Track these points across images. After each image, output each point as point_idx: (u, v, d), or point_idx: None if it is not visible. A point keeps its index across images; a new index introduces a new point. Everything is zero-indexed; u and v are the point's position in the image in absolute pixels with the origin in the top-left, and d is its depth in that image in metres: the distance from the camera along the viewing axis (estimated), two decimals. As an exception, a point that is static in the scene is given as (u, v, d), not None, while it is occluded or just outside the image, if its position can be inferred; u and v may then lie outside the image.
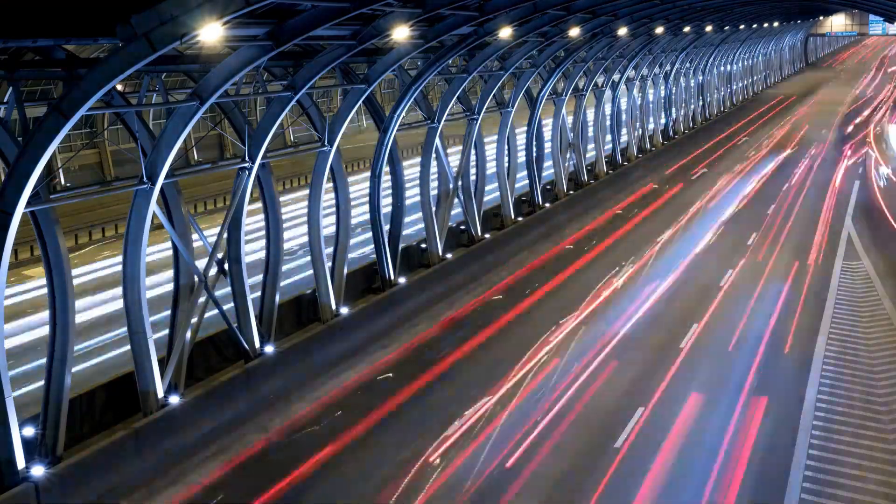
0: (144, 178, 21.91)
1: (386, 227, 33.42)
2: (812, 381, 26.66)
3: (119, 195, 33.35)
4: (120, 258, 22.57)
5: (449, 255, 37.37)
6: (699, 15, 55.88)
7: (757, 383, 26.68)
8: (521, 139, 46.72)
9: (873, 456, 22.21)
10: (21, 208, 18.45)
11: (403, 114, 33.25)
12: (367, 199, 33.40)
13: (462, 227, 40.84)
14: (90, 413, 23.01)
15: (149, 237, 22.20)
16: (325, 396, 26.23)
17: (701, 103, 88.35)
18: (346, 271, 31.02)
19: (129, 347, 22.46)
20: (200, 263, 25.00)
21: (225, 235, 25.71)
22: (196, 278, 24.52)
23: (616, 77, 59.32)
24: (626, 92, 64.06)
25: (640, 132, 68.16)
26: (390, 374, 27.81)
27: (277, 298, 27.61)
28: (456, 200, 38.53)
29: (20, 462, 19.27)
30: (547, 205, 48.12)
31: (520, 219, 44.64)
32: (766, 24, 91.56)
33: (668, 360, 28.57)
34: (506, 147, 43.99)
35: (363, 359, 28.82)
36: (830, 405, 24.97)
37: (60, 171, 51.75)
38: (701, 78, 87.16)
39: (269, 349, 26.78)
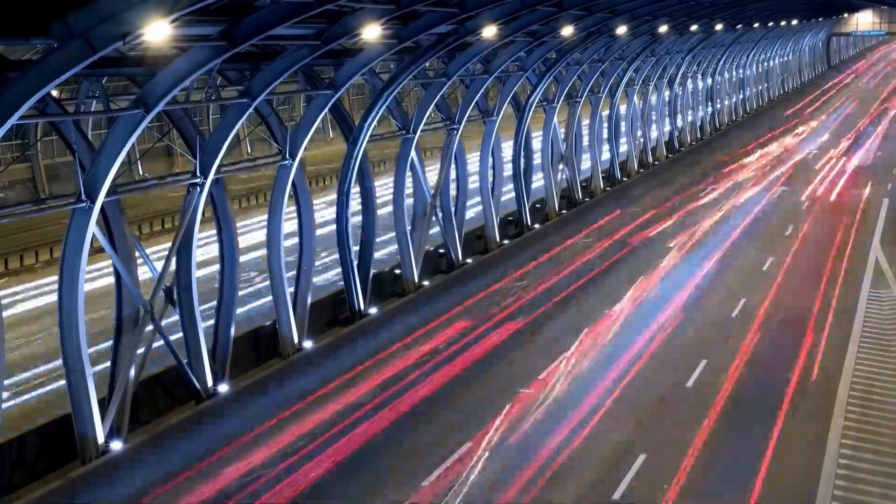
0: (83, 196, 22.07)
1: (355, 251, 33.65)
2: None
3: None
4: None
5: (426, 283, 37.59)
6: (707, 12, 56.48)
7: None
8: (507, 151, 46.98)
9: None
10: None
11: (375, 123, 33.53)
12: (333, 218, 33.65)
13: (441, 251, 41.07)
14: (21, 461, 23.05)
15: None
16: (286, 441, 26.30)
17: (710, 111, 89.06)
18: (309, 300, 31.20)
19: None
20: (146, 292, 25.12)
21: (174, 260, 25.87)
22: (141, 308, 24.63)
23: (614, 82, 59.83)
24: (625, 98, 64.59)
25: (642, 143, 68.70)
26: (360, 415, 27.91)
27: (233, 331, 27.75)
28: (434, 220, 38.81)
29: (-60, 516, 19.35)
30: (536, 226, 48.47)
31: (506, 241, 44.94)
32: (783, 23, 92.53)
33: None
34: (490, 160, 44.29)
35: (329, 398, 28.92)
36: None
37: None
38: (710, 82, 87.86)
39: (223, 388, 26.89)
